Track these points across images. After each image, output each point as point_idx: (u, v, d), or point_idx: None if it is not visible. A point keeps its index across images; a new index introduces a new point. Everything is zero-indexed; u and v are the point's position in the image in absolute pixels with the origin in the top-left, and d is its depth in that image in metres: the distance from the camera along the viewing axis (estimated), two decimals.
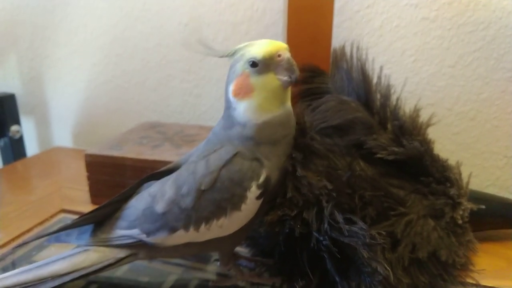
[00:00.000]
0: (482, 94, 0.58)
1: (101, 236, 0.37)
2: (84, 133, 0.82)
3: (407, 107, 0.43)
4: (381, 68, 0.43)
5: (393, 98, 0.42)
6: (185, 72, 0.71)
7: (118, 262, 0.36)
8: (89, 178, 0.54)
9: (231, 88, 0.33)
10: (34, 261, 0.43)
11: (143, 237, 0.35)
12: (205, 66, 0.69)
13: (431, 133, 0.44)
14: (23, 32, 0.78)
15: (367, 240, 0.29)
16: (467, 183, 0.42)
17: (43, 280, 0.35)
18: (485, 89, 0.58)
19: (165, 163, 0.49)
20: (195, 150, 0.37)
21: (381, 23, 0.59)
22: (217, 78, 0.69)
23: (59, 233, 0.38)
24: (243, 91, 0.32)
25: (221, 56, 0.35)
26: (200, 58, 0.69)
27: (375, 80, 0.44)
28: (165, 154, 0.52)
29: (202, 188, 0.32)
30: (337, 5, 0.59)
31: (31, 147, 0.86)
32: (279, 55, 0.31)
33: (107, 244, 0.36)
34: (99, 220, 0.38)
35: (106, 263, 0.36)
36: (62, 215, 0.53)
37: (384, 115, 0.42)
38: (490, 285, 0.40)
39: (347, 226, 0.30)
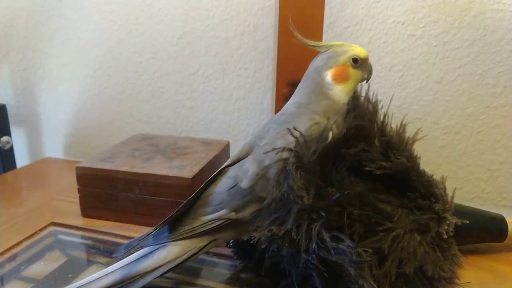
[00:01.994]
0: (467, 109, 0.59)
1: (182, 229, 0.39)
2: (76, 145, 0.82)
3: (395, 121, 0.44)
4: (368, 85, 0.44)
5: (381, 113, 0.44)
6: (178, 84, 0.72)
7: (201, 250, 0.39)
8: (80, 191, 0.54)
9: (331, 72, 0.41)
10: (23, 276, 0.43)
11: (232, 215, 0.38)
12: (197, 79, 0.70)
13: (418, 146, 0.45)
14: (16, 44, 0.79)
15: (354, 258, 0.30)
16: (452, 198, 0.43)
17: (132, 280, 0.37)
18: (470, 104, 0.59)
19: (157, 176, 0.51)
20: (261, 135, 0.41)
21: (369, 39, 0.60)
22: (210, 91, 0.70)
23: (131, 241, 0.41)
24: (342, 77, 0.41)
25: (314, 46, 0.43)
26: (193, 71, 0.70)
27: (363, 96, 0.45)
28: (157, 167, 0.53)
29: (284, 157, 0.36)
30: (326, 21, 0.61)
31: (22, 158, 0.86)
32: (367, 59, 0.42)
33: (192, 234, 0.39)
34: (173, 220, 0.40)
35: (189, 253, 0.39)
36: (52, 228, 0.53)
37: (373, 129, 0.43)
38: None
39: (334, 244, 0.31)
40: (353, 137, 0.38)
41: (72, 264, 0.45)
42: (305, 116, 0.40)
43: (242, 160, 0.41)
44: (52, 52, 0.77)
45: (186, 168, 0.52)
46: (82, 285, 0.37)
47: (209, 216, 0.39)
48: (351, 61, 0.41)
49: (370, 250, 0.33)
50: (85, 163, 0.54)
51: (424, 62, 0.60)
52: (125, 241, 0.48)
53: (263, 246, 0.33)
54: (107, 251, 0.48)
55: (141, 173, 0.51)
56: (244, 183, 0.38)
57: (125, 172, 0.52)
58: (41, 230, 0.52)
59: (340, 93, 0.41)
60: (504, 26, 0.56)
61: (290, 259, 0.33)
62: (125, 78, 0.74)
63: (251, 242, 0.35)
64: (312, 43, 0.43)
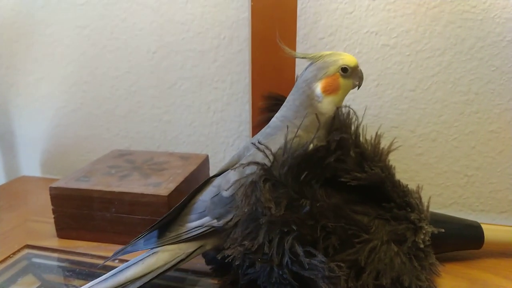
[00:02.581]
0: (442, 116, 0.60)
1: (169, 235, 0.41)
2: (53, 162, 0.81)
3: (372, 130, 0.44)
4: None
5: (353, 126, 0.44)
6: (155, 98, 0.71)
7: (189, 256, 0.40)
8: (54, 211, 0.53)
9: (321, 85, 0.41)
10: None
11: (214, 222, 0.39)
12: (174, 92, 0.70)
13: (396, 155, 0.45)
14: None
15: (327, 273, 0.30)
16: (428, 206, 0.43)
17: (122, 285, 0.38)
18: (444, 111, 0.60)
19: (133, 194, 0.50)
20: (249, 146, 0.42)
21: (344, 49, 0.61)
22: (187, 104, 0.70)
23: (126, 247, 0.42)
24: (332, 88, 0.41)
25: (303, 57, 0.43)
26: (169, 85, 0.69)
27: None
28: (133, 184, 0.52)
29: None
30: (301, 32, 0.61)
31: None
32: (358, 67, 0.42)
33: (177, 240, 0.40)
34: (164, 225, 0.42)
35: (178, 259, 0.40)
36: (26, 251, 0.51)
37: (348, 140, 0.43)
38: None
39: (307, 259, 0.30)
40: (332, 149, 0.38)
41: None
42: (288, 129, 0.40)
43: (228, 170, 0.42)
44: (26, 69, 0.76)
45: (162, 185, 0.51)
46: None
47: (193, 223, 0.40)
48: (340, 71, 0.41)
49: (343, 265, 0.32)
50: (59, 182, 0.53)
51: (399, 71, 0.60)
52: (102, 261, 0.48)
53: (237, 263, 0.33)
54: (83, 273, 0.47)
55: (117, 192, 0.50)
56: (226, 192, 0.39)
57: (100, 191, 0.51)
58: (14, 253, 0.51)
59: (329, 105, 0.41)
60: (473, 34, 0.57)
61: (265, 275, 0.32)
62: (101, 93, 0.73)
63: (225, 261, 0.35)
64: (301, 54, 0.43)
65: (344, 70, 0.40)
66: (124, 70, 0.71)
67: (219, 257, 0.35)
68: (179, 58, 0.68)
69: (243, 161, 0.39)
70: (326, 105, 0.41)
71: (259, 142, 0.39)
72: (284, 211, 0.33)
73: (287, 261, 0.31)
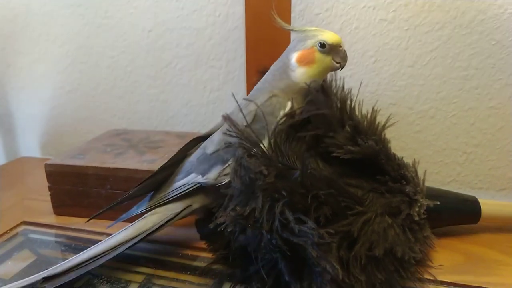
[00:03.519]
0: (441, 92, 0.59)
1: (159, 196, 0.43)
2: (52, 142, 0.81)
3: (369, 107, 0.44)
4: (335, 72, 0.44)
5: (349, 100, 0.43)
6: (151, 78, 0.70)
7: (176, 216, 0.42)
8: (50, 188, 0.53)
9: (296, 55, 0.42)
10: None
11: (199, 178, 0.41)
12: (170, 71, 0.69)
13: (394, 132, 0.45)
14: None
15: (316, 239, 0.30)
16: (423, 180, 0.43)
17: (114, 248, 0.40)
18: (443, 87, 0.59)
19: (128, 170, 0.50)
20: (233, 110, 0.44)
21: (340, 25, 0.60)
22: (183, 83, 0.69)
23: (121, 216, 0.45)
24: (307, 61, 0.41)
25: (291, 29, 0.45)
26: (165, 64, 0.69)
27: (333, 84, 0.44)
28: (128, 161, 0.52)
29: (245, 123, 0.39)
30: (297, 8, 0.60)
31: None
32: (340, 46, 0.42)
33: (166, 200, 0.42)
34: (154, 189, 0.44)
35: (166, 219, 0.41)
36: (23, 227, 0.52)
37: (342, 117, 0.42)
38: (447, 280, 0.41)
39: (297, 225, 0.30)
40: (311, 122, 0.38)
41: (40, 262, 0.44)
42: (266, 89, 0.42)
43: (213, 134, 0.44)
44: (21, 49, 0.75)
45: (157, 162, 0.51)
46: (70, 260, 0.39)
47: (180, 182, 0.43)
48: (317, 45, 0.41)
49: (333, 232, 0.32)
50: (55, 160, 0.53)
51: (396, 47, 0.59)
52: (98, 237, 0.49)
53: (229, 229, 0.33)
54: (78, 248, 0.47)
55: (111, 168, 0.50)
56: (210, 149, 0.42)
57: (95, 168, 0.50)
58: (11, 229, 0.51)
59: (302, 76, 0.42)
60: (474, 7, 0.55)
61: (255, 242, 0.32)
62: (98, 73, 0.73)
63: (218, 230, 0.35)
64: (289, 27, 0.45)
65: (322, 45, 0.41)
66: (120, 49, 0.70)
67: (211, 226, 0.35)
68: (175, 36, 0.67)
69: (232, 117, 0.41)
70: (299, 75, 0.42)
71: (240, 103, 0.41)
72: (275, 179, 0.32)
73: (277, 226, 0.30)
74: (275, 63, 0.45)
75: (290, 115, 0.40)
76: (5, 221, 0.53)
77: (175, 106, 0.71)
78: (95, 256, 0.39)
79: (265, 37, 0.55)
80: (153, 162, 0.51)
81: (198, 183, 0.41)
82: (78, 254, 0.40)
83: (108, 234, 0.48)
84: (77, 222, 0.52)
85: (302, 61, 0.42)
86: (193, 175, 0.42)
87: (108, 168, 0.50)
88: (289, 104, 0.40)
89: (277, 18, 0.43)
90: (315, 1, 0.59)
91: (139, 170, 0.49)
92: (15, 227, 0.52)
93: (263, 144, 0.37)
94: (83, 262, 0.39)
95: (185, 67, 0.68)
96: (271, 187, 0.32)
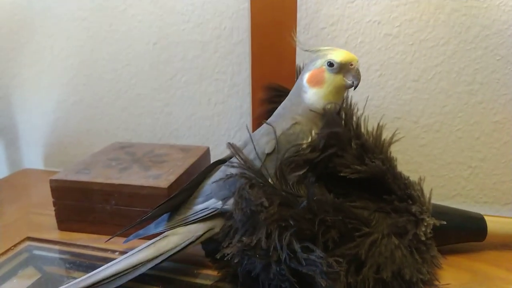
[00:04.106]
0: (446, 106, 0.59)
1: (178, 218, 0.42)
2: (55, 154, 0.81)
3: (374, 121, 0.44)
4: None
5: (356, 117, 0.43)
6: (155, 91, 0.70)
7: (198, 239, 0.41)
8: (55, 204, 0.53)
9: (307, 75, 0.42)
10: None
11: (219, 204, 0.40)
12: (174, 84, 0.69)
13: (399, 146, 0.44)
14: None
15: (325, 268, 0.30)
16: (429, 198, 0.43)
17: (135, 267, 0.39)
18: (448, 101, 0.59)
19: (133, 186, 0.50)
20: (255, 133, 0.44)
21: (346, 39, 0.60)
22: (188, 96, 0.69)
23: (138, 231, 0.44)
24: (316, 81, 0.41)
25: (306, 50, 0.44)
26: (170, 77, 0.69)
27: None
28: (133, 177, 0.51)
29: (266, 151, 0.39)
30: (302, 22, 0.60)
31: (0, 170, 0.84)
32: (351, 64, 0.41)
33: (185, 222, 0.42)
34: (173, 209, 0.44)
35: (187, 242, 0.41)
36: (27, 243, 0.52)
37: (347, 134, 0.42)
38: None
39: (304, 254, 0.30)
40: (325, 145, 0.38)
41: (46, 281, 0.44)
42: (288, 116, 0.42)
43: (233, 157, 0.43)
44: (26, 61, 0.75)
45: (162, 177, 0.51)
46: (91, 275, 0.39)
47: (200, 206, 0.42)
48: (326, 64, 0.41)
49: (342, 260, 0.32)
50: (60, 175, 0.53)
51: (402, 61, 0.59)
52: (103, 254, 0.49)
53: (235, 260, 0.32)
54: (83, 265, 0.47)
55: (117, 184, 0.50)
56: (230, 173, 0.40)
57: (100, 184, 0.50)
58: (15, 245, 0.51)
59: (313, 96, 0.41)
60: (478, 23, 0.55)
61: (263, 271, 0.32)
62: (102, 86, 0.73)
63: (224, 259, 0.34)
64: (306, 48, 0.44)
65: (330, 64, 0.40)
66: (124, 62, 0.70)
67: (218, 256, 0.35)
68: (180, 49, 0.67)
69: (244, 151, 0.40)
70: (311, 96, 0.41)
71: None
72: (280, 207, 0.32)
73: (285, 257, 0.30)
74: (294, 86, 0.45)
75: (312, 147, 0.39)
76: (10, 236, 0.53)
77: (179, 118, 0.71)
78: (117, 274, 0.39)
79: (270, 52, 0.55)
80: (158, 177, 0.51)
81: (218, 209, 0.41)
82: (97, 270, 0.39)
83: (113, 251, 0.49)
84: (82, 238, 0.52)
85: (312, 82, 0.41)
86: (213, 200, 0.41)
87: (113, 184, 0.50)
88: (312, 134, 0.40)
89: (295, 39, 0.44)
90: (320, 15, 0.60)
91: (144, 186, 0.49)
92: (20, 243, 0.51)
93: (268, 172, 0.37)
94: (104, 280, 0.39)
95: (189, 80, 0.68)
96: (276, 217, 0.32)
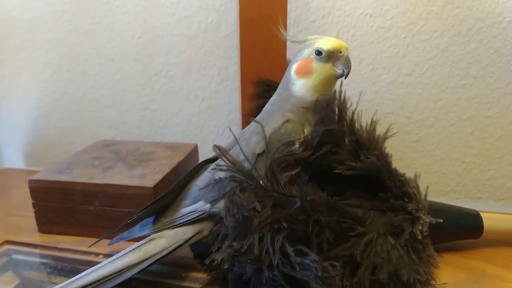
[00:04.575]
0: (439, 101, 0.58)
1: (165, 221, 0.40)
2: (37, 153, 0.77)
3: (367, 116, 0.42)
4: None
5: (350, 112, 0.41)
6: (141, 86, 0.68)
7: (186, 242, 0.39)
8: (34, 205, 0.50)
9: (295, 66, 0.39)
10: None
11: (207, 207, 0.38)
12: (161, 80, 0.67)
13: (392, 142, 0.43)
14: None
15: (320, 273, 0.28)
16: (425, 196, 0.41)
17: (120, 272, 0.37)
18: (442, 96, 0.58)
19: (117, 186, 0.47)
20: (244, 132, 0.42)
21: (337, 32, 0.58)
22: (174, 92, 0.67)
23: (122, 233, 0.42)
24: (304, 71, 0.39)
25: (293, 41, 0.42)
26: (155, 72, 0.66)
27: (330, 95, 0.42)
28: (117, 176, 0.49)
29: (257, 152, 0.37)
30: (292, 15, 0.58)
31: None
32: (340, 52, 0.38)
33: (172, 225, 0.39)
34: (159, 211, 0.41)
35: (175, 245, 0.39)
36: (6, 247, 0.49)
37: (342, 130, 0.41)
38: None
39: (298, 259, 0.28)
40: (319, 142, 0.36)
41: (25, 286, 0.42)
42: (278, 113, 0.40)
43: None
44: (4, 57, 0.72)
45: (147, 177, 0.48)
46: (73, 281, 0.37)
47: (187, 208, 0.40)
48: (314, 53, 0.39)
49: (337, 264, 0.30)
50: (39, 175, 0.50)
51: (394, 55, 0.58)
52: (85, 257, 0.46)
53: (225, 266, 0.30)
54: (65, 269, 0.44)
55: (100, 184, 0.48)
56: (219, 176, 0.38)
57: (82, 184, 0.48)
58: None
59: (302, 88, 0.39)
60: (472, 15, 0.54)
61: (254, 276, 0.30)
62: (85, 81, 0.70)
63: (214, 264, 0.33)
64: (292, 39, 0.42)
65: (318, 53, 0.38)
66: (108, 57, 0.68)
67: (207, 262, 0.33)
68: (165, 43, 0.64)
69: (242, 143, 0.39)
70: (299, 87, 0.39)
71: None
72: (273, 209, 0.30)
73: (277, 262, 0.28)
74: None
75: (305, 146, 0.37)
76: None
77: (165, 115, 0.68)
78: (101, 279, 0.37)
79: (259, 45, 0.53)
80: (143, 177, 0.49)
81: (207, 212, 0.39)
82: (80, 275, 0.37)
83: (97, 254, 0.46)
84: (63, 240, 0.49)
85: (300, 72, 0.39)
86: (201, 203, 0.39)
87: (97, 184, 0.48)
88: (305, 132, 0.38)
89: (282, 30, 0.41)
90: (311, 7, 0.58)
91: (130, 186, 0.47)
92: None
93: (259, 174, 0.35)
94: (87, 285, 0.36)
95: (176, 75, 0.66)
96: (269, 220, 0.30)
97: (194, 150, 0.60)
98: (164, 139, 0.70)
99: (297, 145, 0.37)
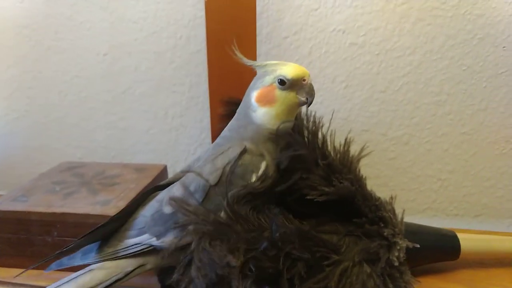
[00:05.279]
0: (414, 118, 0.57)
1: (108, 251, 0.37)
2: (0, 175, 0.73)
3: (341, 134, 0.40)
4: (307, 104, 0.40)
5: (321, 134, 0.40)
6: (108, 104, 0.65)
7: (126, 275, 0.37)
8: None
9: (255, 94, 0.38)
10: None
11: (153, 240, 0.36)
12: (129, 97, 0.64)
13: (368, 159, 0.42)
14: None
15: None
16: (402, 219, 0.40)
17: None
18: (416, 113, 0.57)
19: (78, 215, 0.44)
20: (200, 156, 0.40)
21: (309, 49, 0.57)
22: (143, 109, 0.64)
23: (61, 259, 0.38)
24: (266, 100, 0.37)
25: (251, 65, 0.39)
26: (123, 89, 0.64)
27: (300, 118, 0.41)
28: (79, 203, 0.46)
29: (210, 183, 0.35)
30: (264, 31, 0.57)
31: None
32: (303, 80, 0.37)
33: (115, 257, 0.37)
34: (103, 238, 0.38)
35: (114, 278, 0.36)
36: None
37: (312, 154, 0.39)
38: None
39: None
40: (286, 169, 0.34)
41: None
42: (236, 141, 0.37)
43: (174, 183, 0.39)
44: None
45: (111, 204, 0.45)
46: None
47: (132, 240, 0.37)
48: (277, 82, 0.37)
49: None
50: None
51: (368, 72, 0.57)
52: None
53: None
54: None
55: (59, 213, 0.44)
56: (167, 208, 0.36)
57: (39, 213, 0.45)
58: None
59: (264, 116, 0.37)
60: (444, 32, 0.54)
61: None
62: (49, 99, 0.66)
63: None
64: (250, 62, 0.40)
65: (281, 82, 0.36)
66: (73, 74, 0.64)
67: None
68: (133, 60, 0.62)
69: (196, 171, 0.37)
70: (261, 116, 0.37)
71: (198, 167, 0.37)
72: (245, 254, 0.28)
73: None
74: (240, 105, 0.40)
75: (263, 179, 0.35)
76: None
77: (135, 134, 0.66)
78: None
79: (228, 63, 0.51)
80: (107, 203, 0.46)
81: (152, 245, 0.36)
82: None
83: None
84: (18, 274, 0.46)
85: (261, 101, 0.37)
86: (146, 235, 0.37)
87: (55, 213, 0.44)
88: (262, 166, 0.36)
89: (238, 53, 0.39)
90: (283, 24, 0.56)
91: (91, 214, 0.44)
92: None
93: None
94: None
95: (145, 93, 0.63)
96: (240, 265, 0.28)
97: (163, 172, 0.57)
98: (134, 159, 0.67)
99: (254, 178, 0.35)
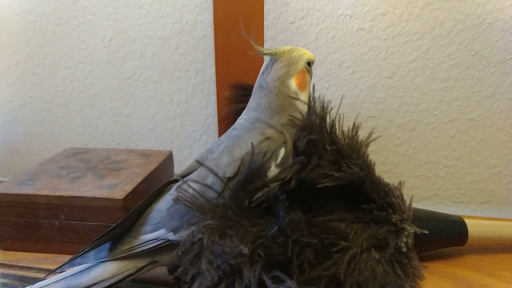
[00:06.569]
0: (421, 104, 0.57)
1: (122, 248, 0.37)
2: (2, 162, 0.73)
3: (348, 120, 0.40)
4: (313, 87, 0.40)
5: (329, 119, 0.39)
6: (113, 90, 0.65)
7: (139, 271, 0.37)
8: None
9: (294, 80, 0.38)
10: None
11: (170, 235, 0.35)
12: (134, 83, 0.64)
13: (374, 146, 0.41)
14: None
15: None
16: (410, 205, 0.40)
17: None
18: (423, 99, 0.57)
19: (84, 199, 0.44)
20: (215, 147, 0.39)
21: (316, 34, 0.56)
22: (148, 96, 0.64)
23: (73, 262, 0.37)
24: (303, 84, 0.38)
25: (265, 54, 0.39)
26: (128, 75, 0.63)
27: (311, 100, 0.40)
28: (85, 187, 0.46)
29: (227, 175, 0.34)
30: (270, 16, 0.56)
31: None
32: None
33: (129, 254, 0.36)
34: (117, 237, 0.38)
35: (126, 273, 0.36)
36: None
37: (322, 139, 0.38)
38: None
39: (275, 286, 0.26)
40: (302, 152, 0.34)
41: None
42: (257, 130, 0.37)
43: (189, 176, 0.37)
44: None
45: (117, 187, 0.45)
46: None
47: (147, 236, 0.37)
48: (306, 65, 0.39)
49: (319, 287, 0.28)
50: None
51: (375, 57, 0.56)
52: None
53: None
54: None
55: (66, 196, 0.44)
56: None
57: (46, 196, 0.45)
58: None
59: (306, 100, 0.39)
60: (453, 17, 0.53)
61: None
62: (53, 85, 0.66)
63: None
64: (266, 51, 0.39)
65: (309, 64, 0.39)
66: (78, 60, 0.64)
67: None
68: (138, 45, 0.61)
69: (211, 163, 0.36)
70: (305, 99, 0.39)
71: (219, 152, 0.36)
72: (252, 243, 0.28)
73: None
74: (260, 98, 0.39)
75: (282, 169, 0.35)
76: None
77: (139, 120, 0.65)
78: None
79: (236, 48, 0.51)
80: (113, 187, 0.46)
81: (169, 240, 0.35)
82: None
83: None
84: (26, 258, 0.46)
85: (301, 86, 0.38)
86: (163, 230, 0.36)
87: (62, 197, 0.44)
88: (282, 153, 0.35)
89: (253, 43, 0.38)
90: (289, 8, 0.56)
91: (98, 198, 0.44)
92: None
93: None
94: None
95: (150, 79, 0.63)
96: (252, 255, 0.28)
97: (169, 158, 0.57)
98: (138, 146, 0.66)
99: (273, 167, 0.34)
